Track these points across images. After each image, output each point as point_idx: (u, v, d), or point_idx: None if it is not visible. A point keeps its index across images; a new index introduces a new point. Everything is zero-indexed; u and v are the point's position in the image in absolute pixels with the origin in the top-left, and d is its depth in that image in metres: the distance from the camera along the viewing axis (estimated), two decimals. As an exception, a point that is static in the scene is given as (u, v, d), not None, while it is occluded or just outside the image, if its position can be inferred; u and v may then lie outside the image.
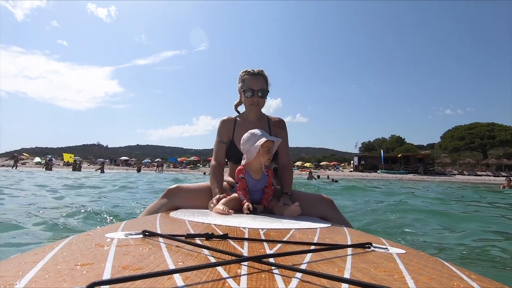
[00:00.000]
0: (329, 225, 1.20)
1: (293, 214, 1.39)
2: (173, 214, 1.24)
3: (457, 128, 49.93)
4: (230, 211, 1.31)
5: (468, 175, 29.84)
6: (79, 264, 0.48)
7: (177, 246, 0.63)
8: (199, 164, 41.66)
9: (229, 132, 1.79)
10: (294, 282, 0.43)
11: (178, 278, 0.42)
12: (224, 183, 1.76)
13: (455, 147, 44.57)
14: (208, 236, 0.71)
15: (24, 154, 49.19)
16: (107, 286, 0.37)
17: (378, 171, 31.74)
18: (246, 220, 1.14)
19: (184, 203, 1.55)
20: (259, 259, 0.51)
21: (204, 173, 23.70)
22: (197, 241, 0.68)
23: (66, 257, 0.51)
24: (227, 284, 0.41)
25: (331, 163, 43.80)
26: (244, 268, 0.49)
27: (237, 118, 1.86)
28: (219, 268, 0.47)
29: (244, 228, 0.95)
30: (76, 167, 24.70)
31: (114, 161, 47.54)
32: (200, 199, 1.58)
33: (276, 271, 0.48)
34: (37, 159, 39.79)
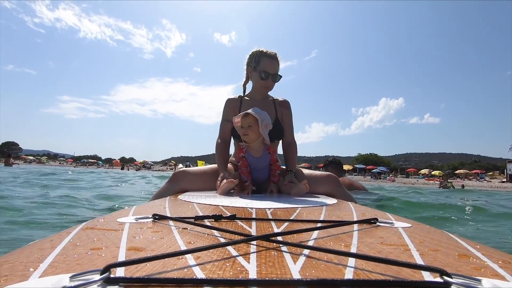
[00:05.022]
0: (335, 202, 1.19)
1: (301, 192, 1.37)
2: (181, 197, 1.26)
3: None
4: (233, 180, 1.36)
5: None
6: (95, 248, 0.49)
7: (187, 228, 0.64)
8: (310, 171, 41.82)
9: (235, 111, 1.80)
10: (302, 258, 0.44)
11: (190, 258, 0.42)
12: (229, 165, 1.80)
13: None
14: (217, 218, 0.72)
15: (172, 161, 62.43)
16: (123, 268, 0.38)
17: (550, 183, 23.64)
18: (253, 200, 1.17)
19: (191, 186, 1.57)
20: (267, 237, 0.52)
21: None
22: (206, 222, 0.69)
23: (82, 242, 0.53)
24: (237, 262, 0.42)
25: (472, 171, 35.31)
26: (253, 247, 0.50)
27: (244, 97, 1.87)
28: (229, 248, 0.48)
29: (252, 208, 0.96)
30: None
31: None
32: (206, 181, 1.61)
33: (284, 248, 0.49)
34: (180, 166, 49.93)
